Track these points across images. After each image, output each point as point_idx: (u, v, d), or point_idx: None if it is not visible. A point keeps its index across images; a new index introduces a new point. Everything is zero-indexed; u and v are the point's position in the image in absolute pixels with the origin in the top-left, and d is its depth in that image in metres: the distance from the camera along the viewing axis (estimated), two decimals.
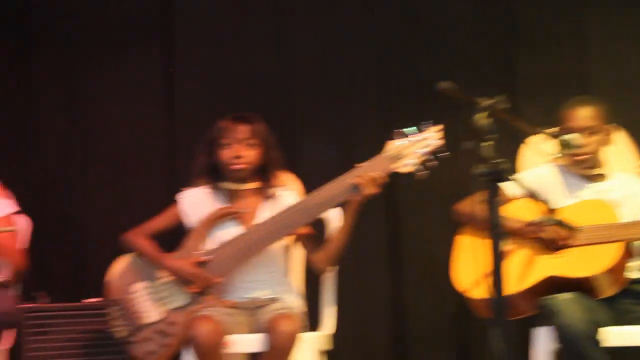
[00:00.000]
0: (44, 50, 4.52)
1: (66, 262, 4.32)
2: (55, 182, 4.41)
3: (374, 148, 3.30)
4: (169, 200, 4.08)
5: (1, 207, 3.23)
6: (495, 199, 2.61)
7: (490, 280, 2.58)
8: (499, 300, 2.57)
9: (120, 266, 3.42)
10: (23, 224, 3.34)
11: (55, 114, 4.48)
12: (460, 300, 4.07)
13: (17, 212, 3.29)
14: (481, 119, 2.65)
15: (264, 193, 3.45)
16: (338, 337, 3.47)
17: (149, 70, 4.52)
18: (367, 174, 3.23)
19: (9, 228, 3.18)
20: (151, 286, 3.36)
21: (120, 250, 3.43)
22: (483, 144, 2.62)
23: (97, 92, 4.50)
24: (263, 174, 3.45)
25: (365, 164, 3.27)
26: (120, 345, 3.37)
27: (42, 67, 4.50)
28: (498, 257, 2.57)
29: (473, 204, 3.25)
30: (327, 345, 3.42)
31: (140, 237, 3.40)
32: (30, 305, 3.70)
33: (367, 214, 3.38)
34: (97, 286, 3.64)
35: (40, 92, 4.49)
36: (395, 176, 3.27)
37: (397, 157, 3.22)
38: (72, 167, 4.44)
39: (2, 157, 4.10)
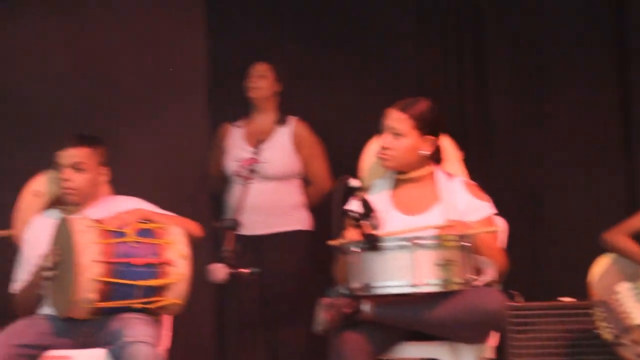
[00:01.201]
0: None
1: (536, 262, 4.36)
2: (522, 184, 4.47)
3: None
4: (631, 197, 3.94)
5: (481, 209, 3.32)
6: None
7: None
8: None
9: (602, 266, 3.36)
10: (501, 225, 3.40)
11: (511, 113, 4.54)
12: None
13: (495, 214, 3.36)
14: None
15: None
16: None
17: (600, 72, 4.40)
18: None
19: (490, 229, 3.26)
20: (636, 287, 3.25)
21: (595, 250, 3.36)
22: None
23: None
24: None
25: None
26: (608, 346, 3.30)
27: (496, 68, 4.58)
28: None
29: None
30: None
31: (620, 236, 3.32)
32: (512, 304, 3.76)
33: None
34: (568, 285, 3.62)
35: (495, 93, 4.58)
36: None
37: None
38: (536, 167, 4.47)
39: (476, 161, 4.24)
